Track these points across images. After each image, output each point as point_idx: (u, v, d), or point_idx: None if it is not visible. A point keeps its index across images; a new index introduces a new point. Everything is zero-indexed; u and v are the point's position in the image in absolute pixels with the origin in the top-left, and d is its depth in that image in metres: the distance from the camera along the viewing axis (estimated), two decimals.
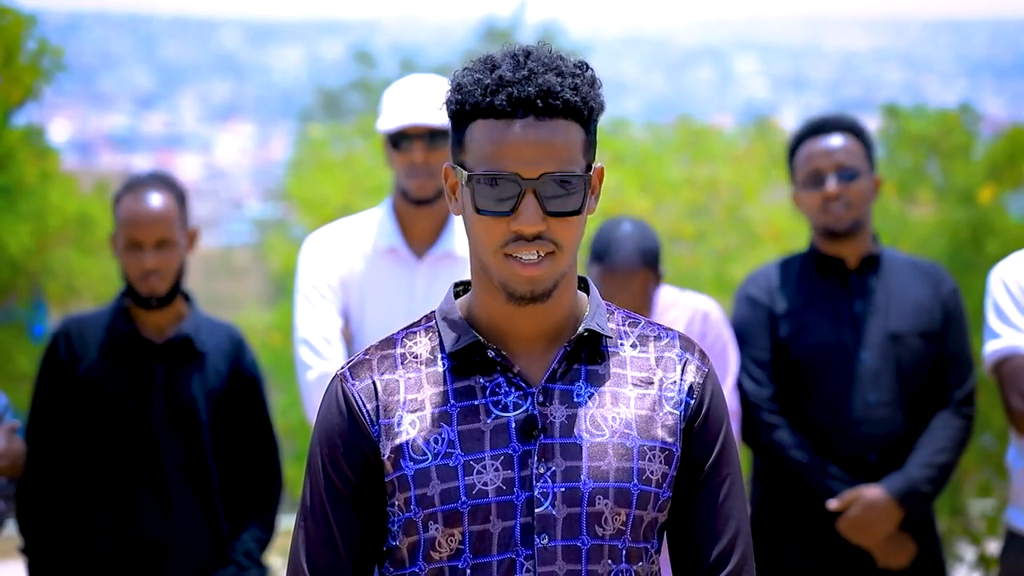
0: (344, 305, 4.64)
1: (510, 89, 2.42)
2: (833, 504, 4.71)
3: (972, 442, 7.87)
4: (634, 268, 4.57)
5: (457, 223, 4.67)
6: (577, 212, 2.44)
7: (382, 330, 4.55)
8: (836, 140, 4.85)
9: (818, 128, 4.88)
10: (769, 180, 12.29)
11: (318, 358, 4.55)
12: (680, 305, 4.75)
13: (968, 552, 8.85)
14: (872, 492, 4.68)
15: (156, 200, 4.59)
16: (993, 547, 8.53)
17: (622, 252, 4.57)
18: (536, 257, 2.42)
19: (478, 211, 2.43)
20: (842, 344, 4.79)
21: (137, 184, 4.64)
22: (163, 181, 4.66)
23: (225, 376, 4.68)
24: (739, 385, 4.80)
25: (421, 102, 4.58)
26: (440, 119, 4.51)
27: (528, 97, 2.42)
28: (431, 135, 4.55)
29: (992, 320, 4.62)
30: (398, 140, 4.60)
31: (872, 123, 10.50)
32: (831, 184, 4.80)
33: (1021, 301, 4.60)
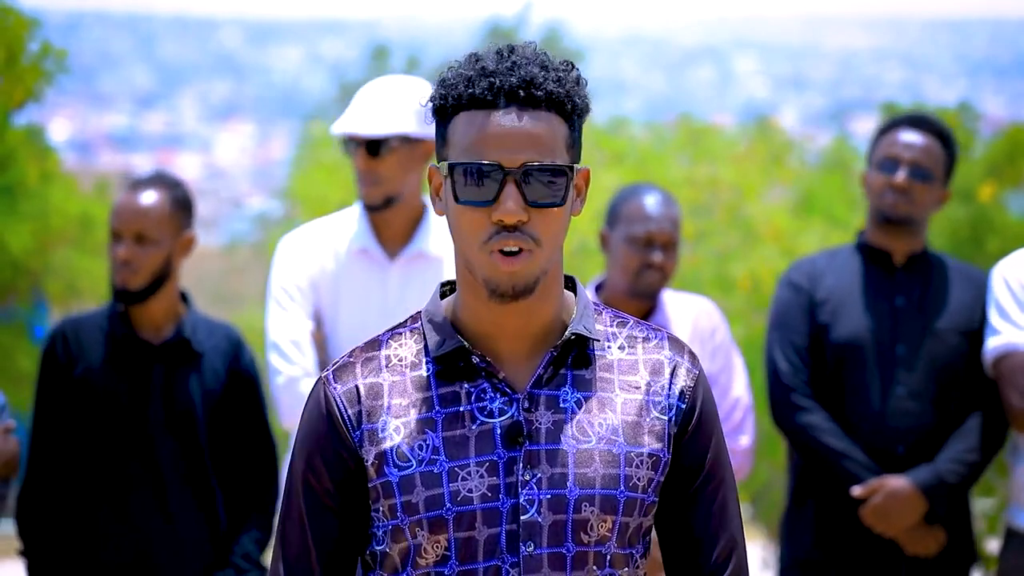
0: (316, 307, 4.62)
1: (492, 79, 2.41)
2: (856, 491, 4.71)
3: None
4: (671, 226, 4.66)
5: (431, 222, 4.65)
6: (559, 204, 2.41)
7: (356, 332, 4.55)
8: (923, 138, 4.84)
9: (915, 122, 4.88)
10: (770, 180, 12.30)
11: (286, 363, 4.55)
12: (683, 303, 4.78)
13: None
14: (896, 482, 4.69)
15: (144, 196, 4.59)
16: (993, 546, 8.53)
17: (656, 211, 4.65)
18: (516, 251, 2.39)
19: (458, 201, 2.41)
20: (878, 336, 4.79)
21: (137, 182, 4.65)
22: (163, 182, 4.65)
23: (223, 377, 4.66)
24: (774, 367, 4.82)
25: (366, 110, 4.57)
26: (383, 128, 4.51)
27: (510, 87, 2.40)
28: (370, 144, 4.54)
29: (993, 317, 4.65)
30: (347, 145, 4.61)
31: (871, 122, 10.51)
32: (901, 175, 4.80)
33: (1022, 299, 4.62)
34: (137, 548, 4.57)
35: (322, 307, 4.62)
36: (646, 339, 2.54)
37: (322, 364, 4.60)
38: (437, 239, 4.64)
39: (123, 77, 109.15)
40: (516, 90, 2.40)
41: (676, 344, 2.55)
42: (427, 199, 4.68)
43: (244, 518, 4.68)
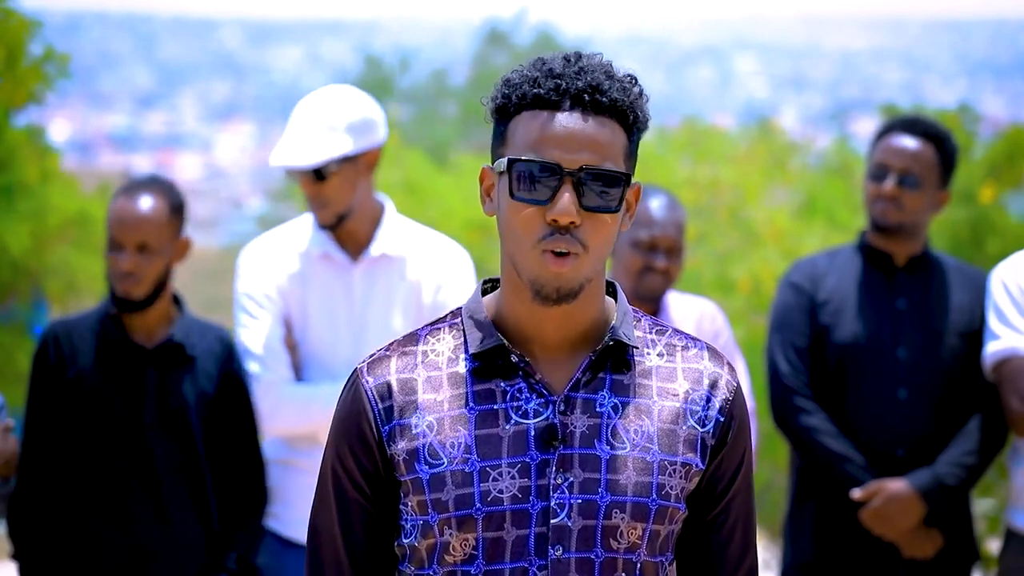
0: (285, 314, 4.64)
1: (559, 80, 2.42)
2: (856, 494, 4.72)
3: None
4: (675, 231, 4.69)
5: (390, 222, 4.65)
6: (613, 211, 2.42)
7: (326, 337, 4.61)
8: (914, 143, 4.83)
9: (906, 126, 4.87)
10: (771, 181, 12.30)
11: (264, 370, 4.60)
12: (686, 305, 4.79)
13: None
14: (896, 485, 4.70)
15: (143, 203, 4.56)
16: (993, 547, 8.55)
17: (662, 215, 4.69)
18: (565, 252, 2.39)
19: (513, 197, 2.41)
20: (879, 338, 4.80)
21: (132, 186, 4.62)
22: (159, 186, 4.62)
23: (216, 379, 4.66)
24: (774, 368, 4.83)
25: (300, 139, 4.53)
26: (320, 156, 4.48)
27: (577, 90, 2.42)
28: (315, 171, 4.52)
29: (992, 321, 4.65)
30: (290, 172, 4.58)
31: (871, 123, 10.52)
32: (889, 183, 4.81)
33: (1021, 303, 4.62)
34: (133, 551, 4.57)
35: (291, 314, 4.64)
36: (685, 348, 2.55)
37: (295, 369, 4.63)
38: (398, 239, 4.64)
39: (123, 77, 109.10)
40: (581, 93, 2.42)
41: (716, 356, 2.56)
42: (383, 198, 4.69)
43: (237, 521, 4.67)
